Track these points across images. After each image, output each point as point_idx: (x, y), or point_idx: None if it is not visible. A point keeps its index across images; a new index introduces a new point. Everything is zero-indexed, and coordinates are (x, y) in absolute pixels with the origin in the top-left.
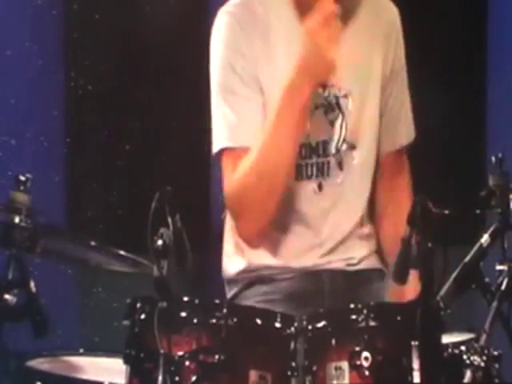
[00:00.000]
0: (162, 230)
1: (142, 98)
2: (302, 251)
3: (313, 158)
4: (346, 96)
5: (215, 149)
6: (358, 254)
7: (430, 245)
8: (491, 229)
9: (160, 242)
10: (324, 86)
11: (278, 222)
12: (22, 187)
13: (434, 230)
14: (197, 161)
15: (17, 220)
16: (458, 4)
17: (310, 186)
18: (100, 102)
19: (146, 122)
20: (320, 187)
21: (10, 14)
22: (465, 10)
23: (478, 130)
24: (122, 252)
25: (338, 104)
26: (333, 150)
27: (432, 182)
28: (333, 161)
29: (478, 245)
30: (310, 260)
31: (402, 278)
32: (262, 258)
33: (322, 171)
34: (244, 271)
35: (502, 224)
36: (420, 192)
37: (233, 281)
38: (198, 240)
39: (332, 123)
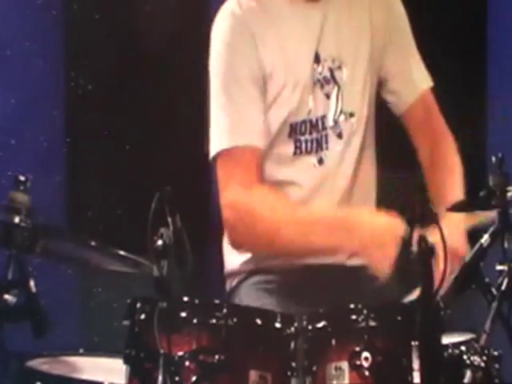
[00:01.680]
0: (162, 229)
1: (141, 97)
2: None
3: (312, 134)
4: (339, 67)
5: (212, 152)
6: None
7: (430, 245)
8: (491, 229)
9: (160, 242)
10: (318, 62)
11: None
12: (21, 187)
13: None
14: (197, 161)
15: (17, 220)
16: (458, 4)
17: (309, 161)
18: (100, 102)
19: (145, 121)
20: (320, 162)
21: (10, 14)
22: (465, 10)
23: (478, 130)
24: (121, 252)
25: (332, 76)
26: (330, 122)
27: None
28: (331, 133)
29: (478, 245)
30: None
31: (402, 278)
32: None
33: (321, 145)
34: (245, 262)
35: (502, 224)
36: (420, 192)
37: (233, 273)
38: (197, 240)
39: (328, 96)
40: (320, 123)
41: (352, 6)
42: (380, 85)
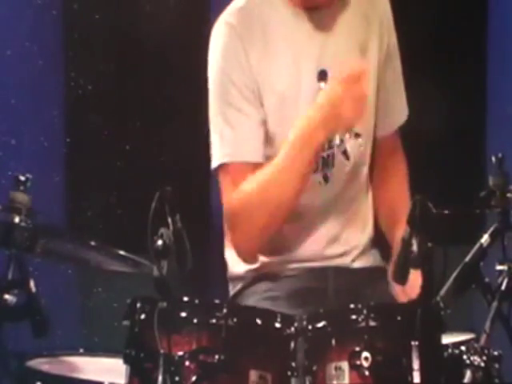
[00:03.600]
0: (162, 230)
1: (142, 98)
2: (307, 242)
3: (318, 152)
4: None
5: (213, 164)
6: (361, 241)
7: (429, 245)
8: (491, 229)
9: (160, 242)
10: (325, 81)
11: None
12: (21, 187)
13: (433, 229)
14: (197, 161)
15: (17, 220)
16: (458, 4)
17: (315, 179)
18: (100, 102)
19: (146, 122)
20: (326, 179)
21: (9, 14)
22: (465, 10)
23: (478, 130)
24: (121, 252)
25: None
26: (337, 141)
27: (432, 181)
28: (337, 151)
29: (477, 245)
30: (316, 249)
31: (402, 278)
32: (269, 253)
33: (327, 163)
34: (252, 269)
35: (501, 224)
36: (420, 192)
37: (238, 278)
38: (197, 240)
39: None
40: (326, 141)
41: (361, 22)
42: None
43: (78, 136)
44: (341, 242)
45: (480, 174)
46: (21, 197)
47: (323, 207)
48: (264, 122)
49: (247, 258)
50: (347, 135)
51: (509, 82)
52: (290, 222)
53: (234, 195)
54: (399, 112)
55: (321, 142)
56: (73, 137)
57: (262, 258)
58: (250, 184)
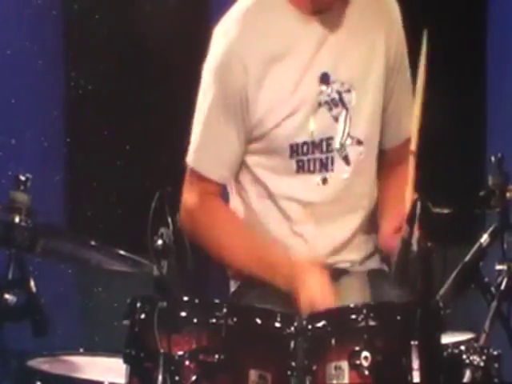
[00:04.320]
0: (162, 229)
1: (142, 97)
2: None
3: (315, 154)
4: (348, 90)
5: (192, 163)
6: (363, 252)
7: (429, 245)
8: (491, 229)
9: (160, 242)
10: (327, 83)
11: (281, 211)
12: (21, 187)
13: (433, 229)
14: None
15: (17, 220)
16: (458, 4)
17: (312, 180)
18: (100, 102)
19: (146, 122)
20: (324, 181)
21: (9, 13)
22: (465, 10)
23: (478, 130)
24: (122, 252)
25: (341, 99)
26: (337, 145)
27: (432, 181)
28: (337, 156)
29: (477, 245)
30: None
31: (402, 278)
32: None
33: (326, 166)
34: None
35: (501, 224)
36: (420, 192)
37: (236, 275)
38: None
39: (336, 119)
40: (325, 144)
41: (366, 28)
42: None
43: (78, 136)
44: (343, 251)
45: (480, 173)
46: (21, 197)
47: (324, 213)
48: (243, 137)
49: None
50: (348, 141)
51: (509, 82)
52: (290, 227)
53: (191, 201)
54: (408, 120)
55: (275, 283)
56: (73, 137)
57: None
58: (208, 219)
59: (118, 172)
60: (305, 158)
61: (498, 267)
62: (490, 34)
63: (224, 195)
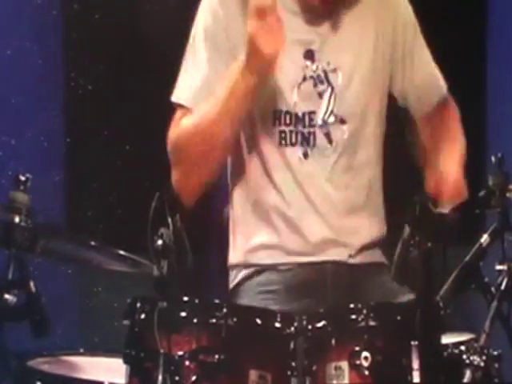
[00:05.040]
0: (162, 229)
1: (141, 97)
2: (298, 235)
3: (298, 127)
4: (334, 70)
5: (173, 98)
6: (356, 242)
7: (429, 245)
8: (491, 229)
9: (160, 242)
10: (312, 60)
11: (264, 186)
12: (21, 187)
13: (434, 230)
14: None
15: (17, 220)
16: (458, 3)
17: (294, 154)
18: (100, 102)
19: (146, 122)
20: (305, 155)
21: (9, 13)
22: (465, 10)
23: (478, 130)
24: (121, 252)
25: (326, 77)
26: (319, 120)
27: None
28: (318, 131)
29: (477, 245)
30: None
31: (402, 278)
32: (258, 235)
33: (308, 140)
34: (248, 256)
35: (501, 224)
36: (420, 192)
37: (236, 267)
38: (197, 240)
39: (321, 95)
40: (307, 119)
41: (357, 14)
42: (400, 95)
43: (78, 136)
44: (339, 234)
45: (480, 173)
46: (21, 197)
47: (302, 185)
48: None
49: (186, 197)
50: (331, 118)
51: (509, 82)
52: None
53: (173, 131)
54: (434, 87)
55: (251, 84)
56: (73, 137)
57: (260, 253)
58: (187, 120)
59: (118, 172)
60: (287, 129)
61: (498, 267)
62: (490, 34)
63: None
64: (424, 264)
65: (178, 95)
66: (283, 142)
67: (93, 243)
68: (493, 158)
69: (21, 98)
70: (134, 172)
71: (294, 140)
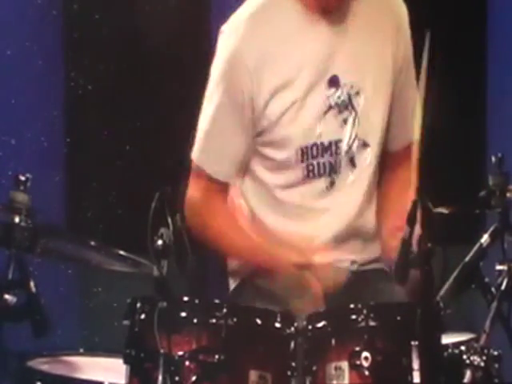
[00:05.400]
0: (162, 229)
1: (142, 98)
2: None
3: (325, 157)
4: (358, 93)
5: (192, 155)
6: (365, 255)
7: (429, 245)
8: (491, 229)
9: (160, 242)
10: (337, 86)
11: (286, 215)
12: (21, 187)
13: (434, 229)
14: None
15: (17, 220)
16: (458, 3)
17: (320, 184)
18: (100, 102)
19: (145, 122)
20: (332, 184)
21: (10, 14)
22: (465, 10)
23: (478, 130)
24: (121, 252)
25: (350, 101)
26: (344, 147)
27: (432, 181)
28: (344, 159)
29: (477, 245)
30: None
31: (402, 279)
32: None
33: (335, 169)
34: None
35: (501, 224)
36: (420, 192)
37: (235, 272)
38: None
39: (345, 121)
40: (334, 147)
41: (375, 28)
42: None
43: (78, 136)
44: (345, 251)
45: (480, 173)
46: (21, 197)
47: (327, 215)
48: (249, 138)
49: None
50: (356, 143)
51: (509, 82)
52: (291, 224)
53: (188, 190)
54: (411, 128)
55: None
56: (73, 137)
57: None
58: (210, 217)
59: (118, 172)
60: (314, 162)
61: (499, 267)
62: (491, 34)
63: None
64: (424, 264)
65: (195, 152)
66: (311, 174)
67: (93, 243)
68: (493, 158)
69: (21, 98)
70: (134, 172)
71: (322, 171)
